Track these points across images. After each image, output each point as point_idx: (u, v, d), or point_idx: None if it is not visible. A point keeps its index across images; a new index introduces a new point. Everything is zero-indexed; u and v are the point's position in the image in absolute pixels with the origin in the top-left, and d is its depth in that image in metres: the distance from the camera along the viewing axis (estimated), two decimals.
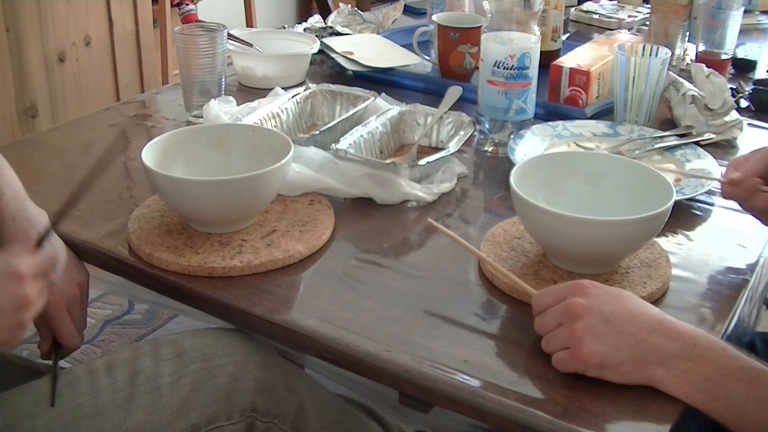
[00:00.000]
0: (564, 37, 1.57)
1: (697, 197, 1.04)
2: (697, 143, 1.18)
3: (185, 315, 1.10)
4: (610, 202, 0.92)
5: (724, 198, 0.98)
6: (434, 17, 1.47)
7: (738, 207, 1.01)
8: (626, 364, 0.71)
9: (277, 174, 0.92)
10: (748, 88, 1.41)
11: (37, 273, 0.73)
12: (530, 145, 1.15)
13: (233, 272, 0.88)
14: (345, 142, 1.05)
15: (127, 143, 1.22)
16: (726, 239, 0.98)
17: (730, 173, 0.94)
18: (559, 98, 1.33)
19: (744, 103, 1.38)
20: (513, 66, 1.13)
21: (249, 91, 1.40)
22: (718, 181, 0.99)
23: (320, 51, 1.46)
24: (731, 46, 1.50)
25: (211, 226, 0.94)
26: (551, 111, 1.29)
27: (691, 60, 1.52)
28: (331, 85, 1.26)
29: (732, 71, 1.53)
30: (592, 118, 1.27)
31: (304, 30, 1.60)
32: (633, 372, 0.71)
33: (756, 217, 0.96)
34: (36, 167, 1.13)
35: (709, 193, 1.04)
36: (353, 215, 1.01)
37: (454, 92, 1.22)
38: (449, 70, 1.45)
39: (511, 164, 1.03)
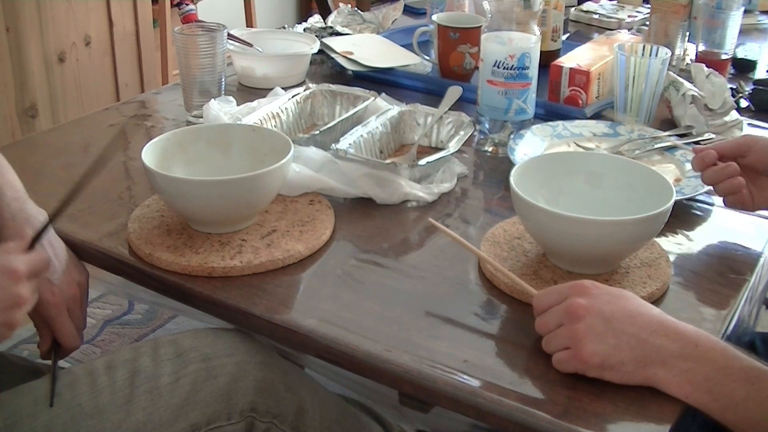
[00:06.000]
0: (564, 37, 1.57)
1: (697, 197, 1.04)
2: (697, 143, 1.18)
3: (185, 315, 1.10)
4: (610, 202, 0.92)
5: (694, 170, 1.00)
6: (434, 17, 1.47)
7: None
8: (627, 364, 0.71)
9: (277, 174, 0.92)
10: (748, 88, 1.41)
11: (31, 273, 0.73)
12: (530, 145, 1.15)
13: (233, 272, 0.88)
14: (345, 142, 1.05)
15: (126, 143, 1.22)
16: (726, 239, 0.98)
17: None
18: (559, 98, 1.33)
19: (744, 103, 1.38)
20: (513, 66, 1.13)
21: (249, 91, 1.40)
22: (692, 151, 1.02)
23: (320, 51, 1.46)
24: (731, 46, 1.50)
25: (211, 226, 0.94)
26: (551, 111, 1.29)
27: (691, 60, 1.52)
28: (331, 85, 1.26)
29: (732, 71, 1.53)
30: (592, 118, 1.27)
31: (304, 30, 1.60)
32: (633, 372, 0.71)
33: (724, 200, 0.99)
34: (36, 167, 1.13)
35: (709, 193, 1.04)
36: (353, 215, 1.01)
37: (454, 92, 1.22)
38: (449, 70, 1.45)
39: (511, 164, 1.03)
